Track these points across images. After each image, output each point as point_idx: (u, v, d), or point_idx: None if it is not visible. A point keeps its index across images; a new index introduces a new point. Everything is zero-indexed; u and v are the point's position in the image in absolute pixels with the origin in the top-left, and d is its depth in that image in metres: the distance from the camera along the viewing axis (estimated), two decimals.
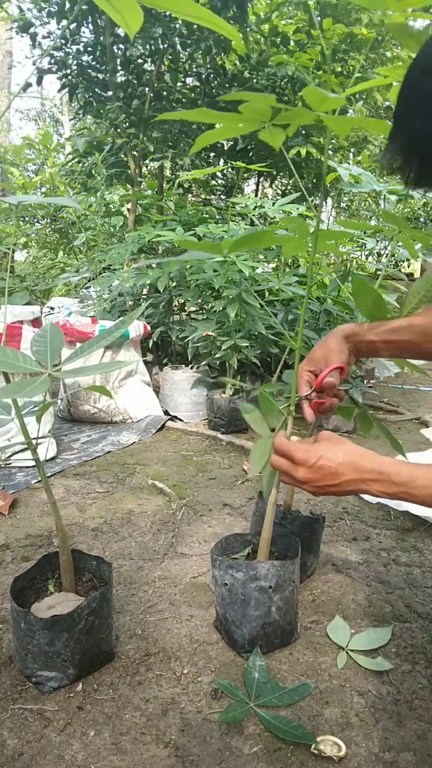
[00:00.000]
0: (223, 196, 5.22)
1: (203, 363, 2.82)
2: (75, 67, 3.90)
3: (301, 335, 0.92)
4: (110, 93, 3.86)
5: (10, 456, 2.09)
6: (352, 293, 0.89)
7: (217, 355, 2.53)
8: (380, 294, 0.89)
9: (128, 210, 3.96)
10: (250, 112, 0.64)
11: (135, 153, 3.80)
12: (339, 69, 4.07)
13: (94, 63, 3.91)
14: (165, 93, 3.97)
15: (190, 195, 5.47)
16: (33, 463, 2.00)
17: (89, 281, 3.51)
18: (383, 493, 0.71)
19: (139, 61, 3.85)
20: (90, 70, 3.92)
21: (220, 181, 5.18)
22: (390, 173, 0.59)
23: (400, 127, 0.55)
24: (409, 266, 7.84)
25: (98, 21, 3.65)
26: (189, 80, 4.41)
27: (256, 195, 5.36)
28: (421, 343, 0.88)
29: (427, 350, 0.88)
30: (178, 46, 3.66)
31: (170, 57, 3.92)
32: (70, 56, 3.85)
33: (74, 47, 3.83)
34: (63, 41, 3.76)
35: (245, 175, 5.01)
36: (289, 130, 0.68)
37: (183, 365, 2.98)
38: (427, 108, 0.52)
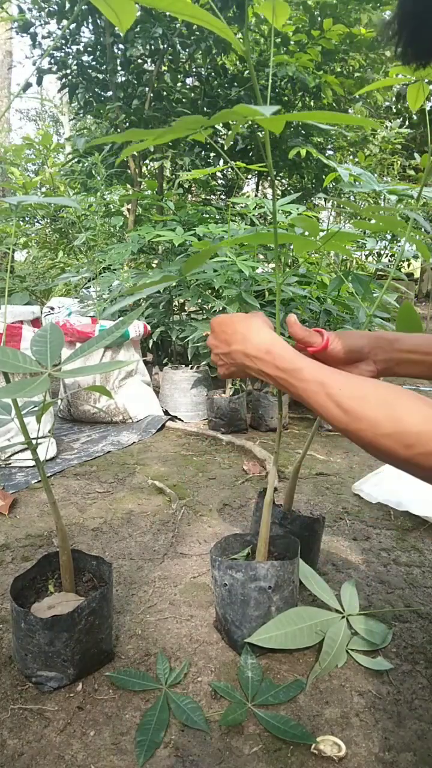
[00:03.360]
0: (223, 196, 5.22)
1: (203, 363, 2.82)
2: (75, 67, 3.90)
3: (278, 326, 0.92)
4: (110, 93, 3.86)
5: (10, 456, 2.09)
6: (398, 318, 0.91)
7: None
8: (419, 320, 0.92)
9: (128, 210, 3.96)
10: (182, 125, 0.69)
11: (135, 153, 3.80)
12: (339, 69, 4.07)
13: (94, 63, 3.91)
14: (165, 93, 3.97)
15: (190, 195, 5.47)
16: (33, 463, 2.00)
17: (89, 281, 3.51)
18: (263, 373, 0.71)
19: (139, 61, 3.85)
20: (90, 70, 3.92)
21: (220, 181, 5.17)
22: (385, 45, 0.57)
23: None
24: (408, 266, 7.86)
25: (98, 21, 3.65)
26: (189, 80, 4.41)
27: (256, 195, 5.36)
28: None
29: None
30: (178, 46, 3.66)
31: (170, 57, 3.92)
32: (70, 56, 3.85)
33: (74, 47, 3.83)
34: (63, 41, 3.76)
35: (245, 175, 5.01)
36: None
37: (183, 365, 2.98)
38: None
